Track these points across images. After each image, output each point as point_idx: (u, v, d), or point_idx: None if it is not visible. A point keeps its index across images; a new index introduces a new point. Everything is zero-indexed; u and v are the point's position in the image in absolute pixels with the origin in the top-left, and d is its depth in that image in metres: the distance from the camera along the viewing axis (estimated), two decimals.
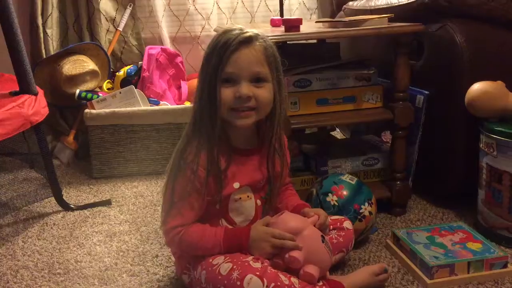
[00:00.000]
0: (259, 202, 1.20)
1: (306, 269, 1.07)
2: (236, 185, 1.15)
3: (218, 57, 1.07)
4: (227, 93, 1.08)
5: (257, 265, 1.04)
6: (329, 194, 1.38)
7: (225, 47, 1.06)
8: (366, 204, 1.38)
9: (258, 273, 1.01)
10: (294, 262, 1.07)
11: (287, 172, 1.28)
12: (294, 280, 1.05)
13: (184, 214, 1.11)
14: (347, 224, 1.28)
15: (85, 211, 1.73)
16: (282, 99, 1.15)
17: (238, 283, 1.01)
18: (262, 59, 1.09)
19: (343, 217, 1.30)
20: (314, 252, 1.10)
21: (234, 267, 1.03)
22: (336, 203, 1.36)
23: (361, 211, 1.36)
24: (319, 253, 1.11)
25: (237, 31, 1.08)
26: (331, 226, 1.25)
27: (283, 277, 1.04)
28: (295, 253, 1.07)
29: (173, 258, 1.30)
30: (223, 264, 1.05)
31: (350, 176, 1.44)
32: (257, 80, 1.09)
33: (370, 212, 1.38)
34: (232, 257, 1.07)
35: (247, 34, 1.08)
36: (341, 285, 1.13)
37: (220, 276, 1.04)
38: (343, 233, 1.25)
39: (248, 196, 1.18)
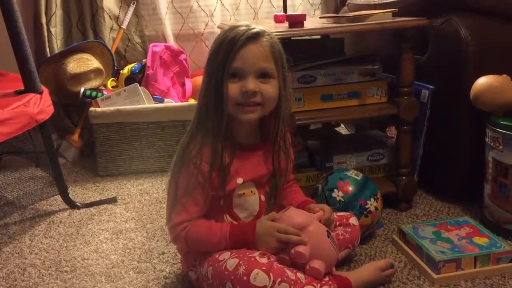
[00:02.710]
0: (263, 197, 1.20)
1: (312, 264, 1.08)
2: (239, 180, 1.15)
3: (226, 52, 1.07)
4: (233, 88, 1.09)
5: (264, 260, 1.04)
6: (335, 190, 1.38)
7: (232, 43, 1.07)
8: (372, 199, 1.37)
9: (264, 268, 1.02)
10: (299, 257, 1.07)
11: (291, 169, 1.28)
12: (300, 275, 1.05)
13: (188, 209, 1.12)
14: (353, 220, 1.28)
15: (91, 208, 1.74)
16: (287, 95, 1.16)
17: (245, 278, 1.01)
18: (268, 55, 1.10)
19: (349, 213, 1.30)
20: (320, 247, 1.10)
21: (241, 262, 1.04)
22: (341, 199, 1.36)
23: (367, 206, 1.36)
24: (324, 248, 1.11)
25: (244, 27, 1.09)
26: (337, 223, 1.25)
27: (289, 272, 1.04)
28: (301, 248, 1.07)
29: (179, 255, 1.30)
30: (229, 259, 1.06)
31: (355, 171, 1.44)
32: (263, 75, 1.10)
33: (376, 208, 1.37)
34: (238, 253, 1.07)
35: (255, 30, 1.09)
36: (347, 280, 1.13)
37: (226, 272, 1.04)
38: (349, 229, 1.25)
39: (252, 192, 1.18)
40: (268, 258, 1.06)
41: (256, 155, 1.18)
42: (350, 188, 1.37)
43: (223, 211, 1.17)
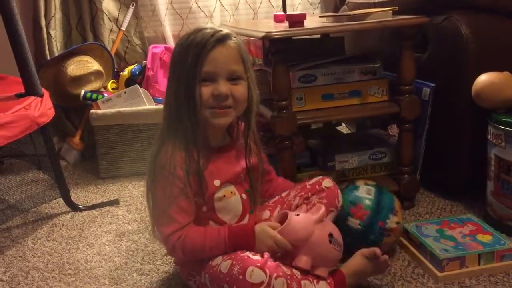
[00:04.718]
0: (244, 195, 1.19)
1: (316, 272, 1.08)
2: (216, 182, 1.14)
3: (195, 56, 1.06)
4: (205, 91, 1.08)
5: (257, 257, 1.03)
6: (349, 218, 1.28)
7: (201, 46, 1.06)
8: (391, 216, 1.27)
9: (259, 264, 1.00)
10: (302, 268, 1.07)
11: (266, 161, 1.30)
12: (295, 271, 1.05)
13: (177, 218, 1.09)
14: (326, 182, 1.25)
15: (94, 211, 1.74)
16: (255, 96, 1.15)
17: (240, 277, 1.00)
18: (237, 56, 1.09)
19: (320, 177, 1.27)
20: (323, 255, 1.09)
21: (234, 262, 1.02)
22: (359, 226, 1.27)
23: (386, 226, 1.26)
24: (327, 255, 1.10)
25: (210, 30, 1.08)
26: (309, 193, 1.24)
27: (284, 268, 1.04)
28: (302, 263, 1.06)
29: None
30: (222, 263, 1.05)
31: (366, 187, 1.32)
32: (233, 78, 1.09)
33: (397, 222, 1.28)
34: (230, 255, 1.05)
35: (222, 33, 1.08)
36: (340, 272, 1.13)
37: (221, 275, 1.03)
38: (324, 194, 1.23)
39: (231, 192, 1.17)
40: (262, 256, 1.04)
41: (229, 156, 1.18)
42: (365, 212, 1.27)
43: (206, 218, 1.15)
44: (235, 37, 1.10)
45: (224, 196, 1.15)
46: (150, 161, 1.12)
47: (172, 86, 1.11)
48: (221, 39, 1.07)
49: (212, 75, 1.08)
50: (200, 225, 1.14)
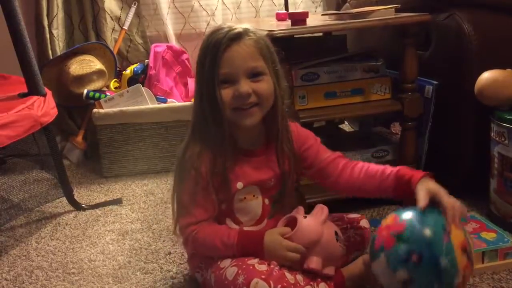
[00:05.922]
0: (267, 201, 1.18)
1: (325, 271, 1.08)
2: (239, 185, 1.13)
3: (212, 58, 1.05)
4: (226, 93, 1.06)
5: (263, 267, 1.02)
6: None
7: (216, 47, 1.04)
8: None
9: (263, 276, 1.00)
10: (314, 271, 1.07)
11: (322, 149, 1.21)
12: (299, 277, 1.05)
13: (194, 213, 1.11)
14: (364, 222, 1.24)
15: (97, 210, 1.74)
16: (282, 90, 1.13)
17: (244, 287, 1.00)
18: (255, 52, 1.07)
19: (359, 215, 1.25)
20: (331, 254, 1.10)
21: (239, 271, 1.02)
22: None
23: None
24: (335, 253, 1.11)
25: (225, 29, 1.06)
26: (348, 225, 1.22)
27: (289, 276, 1.03)
28: (313, 264, 1.06)
29: (186, 255, 1.30)
30: (229, 268, 1.04)
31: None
32: (254, 75, 1.07)
33: None
34: (237, 261, 1.05)
35: (236, 30, 1.06)
36: (341, 273, 1.13)
37: (226, 281, 1.03)
38: (360, 232, 1.22)
39: (254, 196, 1.16)
40: (268, 265, 1.04)
41: (258, 160, 1.16)
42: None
43: (225, 215, 1.16)
44: (252, 33, 1.07)
45: (245, 198, 1.15)
46: (177, 157, 1.13)
47: (196, 90, 1.12)
48: (235, 37, 1.05)
49: (231, 75, 1.06)
50: (218, 220, 1.15)
